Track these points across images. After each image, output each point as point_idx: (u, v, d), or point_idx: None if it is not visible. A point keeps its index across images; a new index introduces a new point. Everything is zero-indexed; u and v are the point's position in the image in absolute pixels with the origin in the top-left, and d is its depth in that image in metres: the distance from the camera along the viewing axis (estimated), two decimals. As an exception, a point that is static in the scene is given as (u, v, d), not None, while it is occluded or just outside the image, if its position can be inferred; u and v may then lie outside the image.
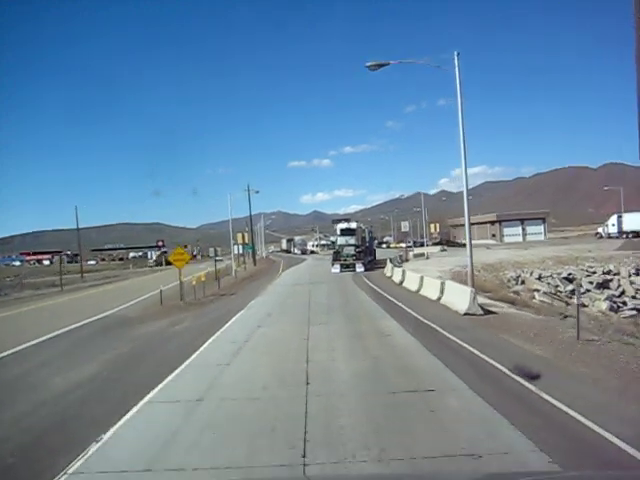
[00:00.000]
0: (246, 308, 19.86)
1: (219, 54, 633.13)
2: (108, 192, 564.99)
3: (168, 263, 29.81)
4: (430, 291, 20.83)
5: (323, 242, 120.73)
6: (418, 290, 22.71)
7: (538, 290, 31.90)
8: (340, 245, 38.82)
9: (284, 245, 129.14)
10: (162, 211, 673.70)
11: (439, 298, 19.29)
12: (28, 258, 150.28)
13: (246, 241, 56.62)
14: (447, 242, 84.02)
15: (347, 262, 37.29)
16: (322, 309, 18.33)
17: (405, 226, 45.47)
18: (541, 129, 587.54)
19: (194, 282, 25.07)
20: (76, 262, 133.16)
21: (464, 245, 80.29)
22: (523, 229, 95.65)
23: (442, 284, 19.78)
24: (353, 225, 40.85)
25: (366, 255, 40.41)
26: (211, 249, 43.18)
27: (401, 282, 26.69)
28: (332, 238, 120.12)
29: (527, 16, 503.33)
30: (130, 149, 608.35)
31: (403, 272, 27.33)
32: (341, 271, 36.45)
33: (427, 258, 50.27)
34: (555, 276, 36.88)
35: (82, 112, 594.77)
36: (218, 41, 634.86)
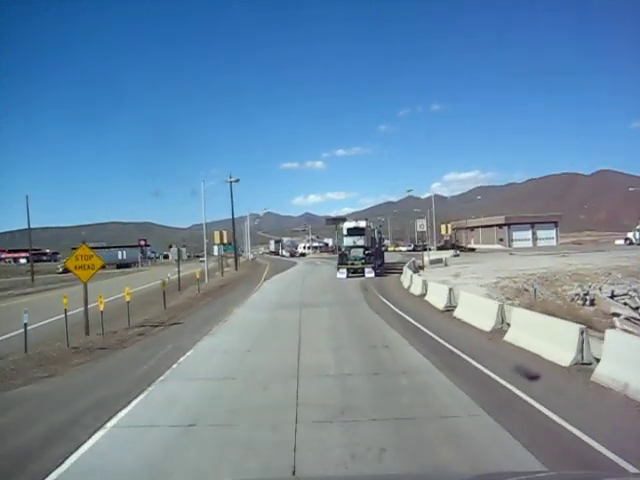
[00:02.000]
0: (166, 374, 9.00)
1: (213, 53, 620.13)
2: (101, 191, 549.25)
3: (67, 271, 19.06)
4: (541, 343, 10.07)
5: (315, 244, 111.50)
6: (498, 329, 12.01)
7: (618, 314, 21.46)
8: (347, 247, 32.72)
9: (272, 247, 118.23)
10: (154, 211, 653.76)
11: (581, 364, 8.64)
12: (4, 256, 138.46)
13: (224, 240, 45.68)
14: (453, 246, 73.43)
15: (355, 266, 31.53)
16: (329, 397, 7.43)
17: (422, 225, 34.85)
18: (535, 135, 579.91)
19: (101, 307, 14.23)
20: (55, 261, 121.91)
21: (472, 250, 70.18)
22: (533, 233, 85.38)
23: (582, 333, 9.02)
24: (362, 224, 33.80)
25: (376, 258, 33.61)
26: (173, 249, 32.23)
27: (448, 308, 15.94)
28: (326, 240, 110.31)
29: (523, 17, 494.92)
30: (123, 148, 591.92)
31: (450, 291, 16.48)
32: (348, 277, 30.75)
33: (445, 265, 39.72)
34: (633, 294, 26.38)
35: (77, 111, 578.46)
36: (212, 41, 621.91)
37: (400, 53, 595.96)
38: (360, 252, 31.91)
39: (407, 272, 26.27)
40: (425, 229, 35.59)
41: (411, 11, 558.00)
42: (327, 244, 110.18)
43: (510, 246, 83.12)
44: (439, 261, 39.82)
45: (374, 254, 33.33)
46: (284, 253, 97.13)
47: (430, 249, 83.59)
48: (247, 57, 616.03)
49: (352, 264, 31.53)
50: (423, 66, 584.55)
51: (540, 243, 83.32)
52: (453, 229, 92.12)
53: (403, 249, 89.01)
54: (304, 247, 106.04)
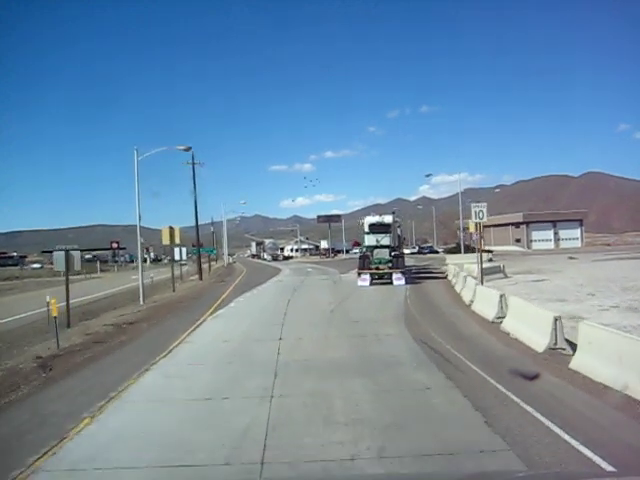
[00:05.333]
0: None
1: (200, 56, 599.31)
2: (90, 194, 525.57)
3: None
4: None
5: (304, 246, 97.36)
6: None
7: None
8: (369, 247, 26.37)
9: (254, 249, 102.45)
10: (143, 213, 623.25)
11: None
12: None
13: (177, 240, 30.65)
14: (467, 247, 58.86)
15: (380, 271, 25.47)
16: None
17: (481, 213, 20.40)
18: (523, 137, 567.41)
19: None
20: (23, 265, 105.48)
21: (490, 251, 56.08)
22: (555, 233, 71.40)
23: None
24: (387, 219, 26.78)
25: (404, 260, 27.45)
26: (57, 254, 17.12)
27: None
28: (322, 242, 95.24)
29: (511, 19, 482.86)
30: (113, 150, 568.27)
31: None
32: (371, 284, 24.74)
33: (505, 276, 25.12)
34: None
35: (66, 113, 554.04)
36: (199, 44, 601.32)
37: (389, 55, 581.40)
38: (385, 253, 25.74)
39: (471, 285, 11.50)
40: (484, 218, 20.98)
41: (402, 13, 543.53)
42: (317, 246, 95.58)
43: (529, 247, 69.27)
44: (495, 270, 25.19)
45: (402, 256, 27.25)
46: (266, 256, 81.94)
47: (438, 252, 69.45)
48: (235, 59, 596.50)
49: (376, 268, 25.62)
50: (412, 68, 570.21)
51: (563, 244, 69.45)
52: (458, 229, 77.70)
53: (406, 251, 74.23)
54: (291, 249, 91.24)
